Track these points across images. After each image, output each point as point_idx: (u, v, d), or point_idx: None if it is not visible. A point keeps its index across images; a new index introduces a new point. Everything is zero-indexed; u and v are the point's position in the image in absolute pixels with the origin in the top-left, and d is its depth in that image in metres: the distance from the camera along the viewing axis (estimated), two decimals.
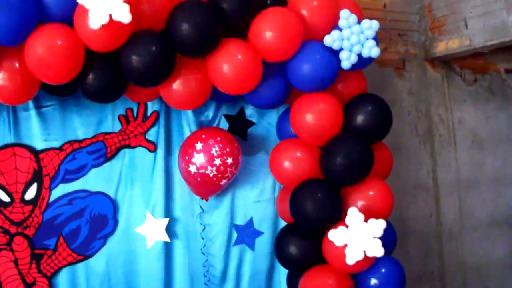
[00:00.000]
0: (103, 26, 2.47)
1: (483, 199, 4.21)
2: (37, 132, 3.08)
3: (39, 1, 2.56)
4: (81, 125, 3.14)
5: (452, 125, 4.10)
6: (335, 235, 2.74)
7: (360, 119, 2.94)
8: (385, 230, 2.93)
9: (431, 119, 4.03)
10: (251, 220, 3.30)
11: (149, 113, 3.22)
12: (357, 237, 2.71)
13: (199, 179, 3.00)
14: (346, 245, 2.73)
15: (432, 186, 4.01)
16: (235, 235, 3.29)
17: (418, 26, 4.03)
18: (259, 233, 3.30)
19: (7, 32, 2.52)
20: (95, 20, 2.45)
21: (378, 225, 2.75)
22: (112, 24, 2.48)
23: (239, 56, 2.78)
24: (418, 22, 4.03)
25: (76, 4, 2.50)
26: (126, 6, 2.46)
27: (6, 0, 2.48)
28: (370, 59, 2.94)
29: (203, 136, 3.02)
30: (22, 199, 3.08)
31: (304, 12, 2.87)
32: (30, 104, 3.06)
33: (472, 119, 4.20)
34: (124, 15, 2.46)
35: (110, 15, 2.45)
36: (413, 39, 4.02)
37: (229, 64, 2.76)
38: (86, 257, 3.13)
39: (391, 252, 3.09)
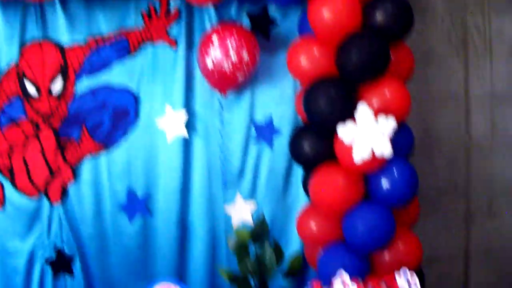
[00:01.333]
0: None
1: None
2: (63, 27, 3.21)
3: None
4: (105, 20, 3.23)
5: (489, 35, 3.91)
6: (344, 131, 2.75)
7: (378, 17, 2.85)
8: (401, 133, 2.91)
9: (466, 27, 3.86)
10: (270, 119, 3.33)
11: (171, 9, 3.25)
12: (365, 133, 2.70)
13: (216, 73, 3.04)
14: (354, 142, 2.73)
15: (463, 98, 3.90)
16: (254, 133, 3.34)
17: None
18: (278, 132, 3.33)
19: None
20: None
21: (388, 123, 2.73)
22: None
23: None
24: None
25: None
26: None
27: None
28: None
29: (220, 31, 3.05)
30: (49, 92, 3.23)
31: None
32: None
33: None
34: None
35: None
36: None
37: None
38: (108, 148, 3.28)
39: (406, 156, 3.06)
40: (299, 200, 3.31)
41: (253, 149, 3.34)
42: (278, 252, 3.04)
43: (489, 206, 3.96)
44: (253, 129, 3.33)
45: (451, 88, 3.88)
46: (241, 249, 2.96)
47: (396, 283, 2.32)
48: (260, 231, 2.98)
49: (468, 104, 3.91)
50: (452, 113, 3.89)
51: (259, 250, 3.04)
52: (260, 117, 3.34)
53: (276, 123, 3.33)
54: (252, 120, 3.34)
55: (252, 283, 2.99)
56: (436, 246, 3.83)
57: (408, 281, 2.20)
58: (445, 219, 3.93)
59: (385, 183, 2.88)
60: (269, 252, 2.95)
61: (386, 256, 2.92)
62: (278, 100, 3.32)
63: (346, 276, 2.17)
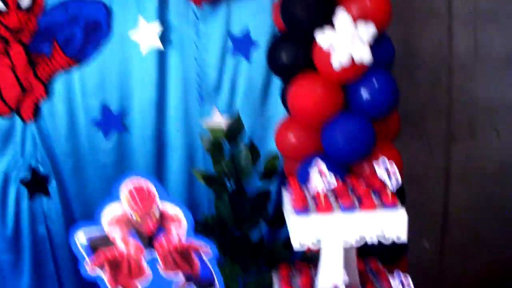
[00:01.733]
0: None
1: (503, 35, 3.98)
2: None
3: None
4: None
5: None
6: (322, 37, 2.66)
7: None
8: (381, 43, 2.83)
9: None
10: (247, 30, 3.23)
11: None
12: (344, 39, 2.62)
13: None
14: (332, 48, 2.65)
15: (446, 15, 3.81)
16: (230, 45, 3.24)
17: None
18: (256, 44, 3.24)
19: None
20: None
21: (368, 30, 2.65)
22: None
23: None
24: None
25: None
26: None
27: None
28: None
29: None
30: (18, 6, 3.10)
31: None
32: None
33: None
34: None
35: None
36: None
37: None
38: (81, 63, 3.19)
39: (387, 68, 2.99)
40: (278, 114, 3.23)
41: (230, 62, 3.26)
42: (254, 151, 2.98)
43: (470, 126, 3.95)
44: (229, 41, 3.24)
45: (433, 5, 3.80)
46: (215, 148, 2.89)
47: (376, 180, 2.26)
48: (235, 129, 2.91)
49: (450, 22, 3.84)
50: (434, 31, 3.83)
51: (235, 150, 2.99)
52: (236, 29, 3.23)
53: (253, 35, 3.23)
54: (228, 32, 3.23)
55: (227, 184, 2.95)
56: (417, 166, 3.82)
57: (387, 170, 2.15)
58: (426, 139, 3.92)
59: (365, 93, 2.81)
60: (244, 151, 2.89)
61: (367, 168, 2.89)
62: (255, 12, 3.20)
63: (323, 165, 2.11)
